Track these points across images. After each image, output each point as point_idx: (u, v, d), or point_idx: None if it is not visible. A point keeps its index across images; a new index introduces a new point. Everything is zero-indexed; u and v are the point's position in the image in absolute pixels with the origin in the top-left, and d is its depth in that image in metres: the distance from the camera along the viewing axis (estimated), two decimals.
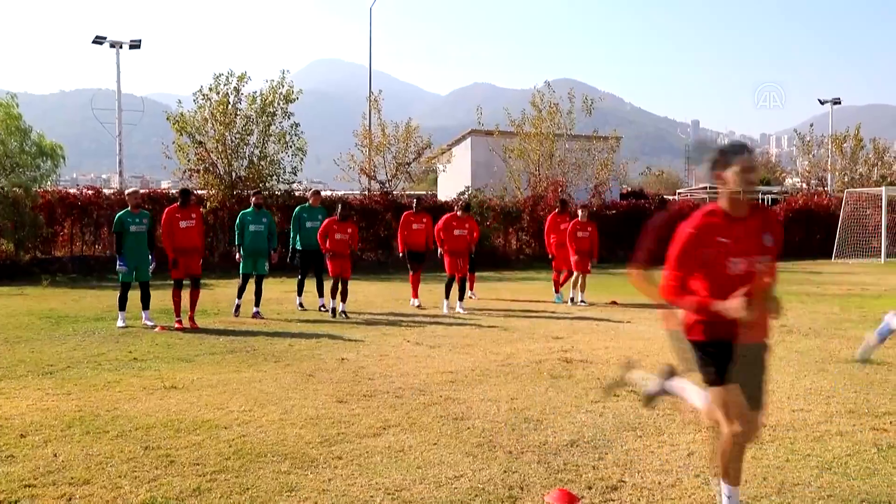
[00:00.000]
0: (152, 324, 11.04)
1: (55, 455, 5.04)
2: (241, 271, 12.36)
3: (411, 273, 14.04)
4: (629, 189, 50.08)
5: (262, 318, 11.90)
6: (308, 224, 13.01)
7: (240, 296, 12.37)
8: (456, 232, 13.14)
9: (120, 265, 11.08)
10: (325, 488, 4.47)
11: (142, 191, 11.75)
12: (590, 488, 4.48)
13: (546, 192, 26.85)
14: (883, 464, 4.90)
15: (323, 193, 32.98)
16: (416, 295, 13.83)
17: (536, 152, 27.84)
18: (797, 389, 7.00)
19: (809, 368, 7.97)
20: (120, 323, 11.02)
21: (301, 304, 13.21)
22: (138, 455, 5.04)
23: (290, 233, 13.35)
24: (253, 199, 12.79)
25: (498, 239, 26.18)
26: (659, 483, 4.56)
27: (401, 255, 14.34)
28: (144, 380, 7.40)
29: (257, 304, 12.21)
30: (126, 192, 12.05)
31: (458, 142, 37.13)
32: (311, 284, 13.20)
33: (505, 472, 4.75)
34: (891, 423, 5.85)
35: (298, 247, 13.13)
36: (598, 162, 28.58)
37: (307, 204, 13.58)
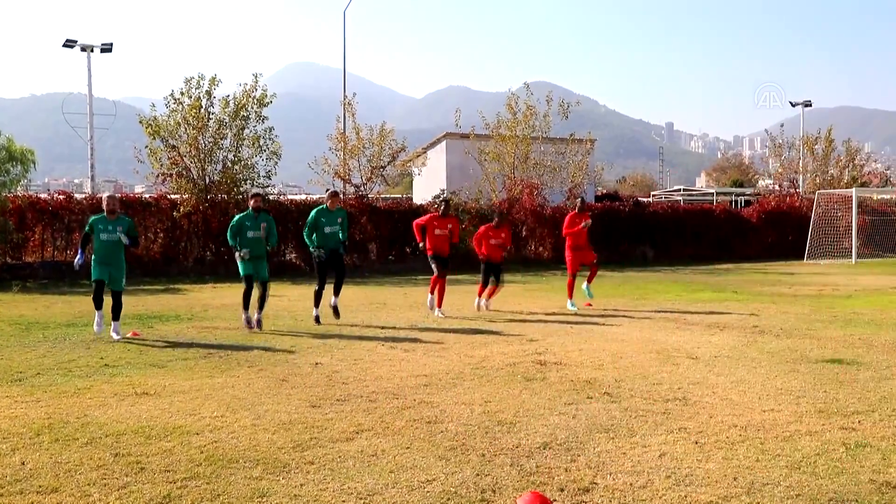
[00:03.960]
0: (118, 337, 10.23)
1: (23, 463, 4.97)
2: (241, 273, 11.20)
3: (435, 277, 13.00)
4: (604, 191, 50.45)
5: (261, 329, 10.96)
6: (327, 230, 11.72)
7: (246, 305, 11.18)
8: (493, 241, 13.35)
9: (78, 259, 10.53)
10: (296, 493, 4.45)
11: (118, 195, 10.71)
12: (562, 490, 4.50)
13: (521, 195, 26.95)
14: (851, 462, 4.95)
15: (298, 197, 32.85)
16: (440, 304, 12.95)
17: (511, 155, 27.93)
18: (768, 390, 7.07)
19: (780, 369, 8.05)
20: (96, 328, 10.37)
21: (318, 318, 11.80)
22: (108, 462, 4.98)
23: (305, 239, 12.08)
24: (251, 202, 11.50)
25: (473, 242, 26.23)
26: (630, 484, 4.59)
27: (430, 256, 13.08)
28: (115, 386, 7.32)
29: (260, 309, 11.18)
30: (103, 195, 10.86)
31: (433, 145, 37.17)
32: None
33: (477, 475, 4.76)
34: (859, 422, 5.92)
35: (316, 253, 11.86)
36: (573, 164, 28.73)
37: (324, 206, 11.94)
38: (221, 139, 23.25)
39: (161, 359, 8.84)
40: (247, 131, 23.58)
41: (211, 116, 23.01)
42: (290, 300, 15.33)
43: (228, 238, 11.39)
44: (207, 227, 22.96)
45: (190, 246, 23.34)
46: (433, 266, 13.10)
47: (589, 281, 14.19)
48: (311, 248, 11.96)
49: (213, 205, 22.95)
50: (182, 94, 22.75)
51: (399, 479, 4.68)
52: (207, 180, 23.04)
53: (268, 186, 24.39)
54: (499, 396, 6.86)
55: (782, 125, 37.58)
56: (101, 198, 23.34)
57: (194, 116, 22.65)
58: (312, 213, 11.91)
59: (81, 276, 20.44)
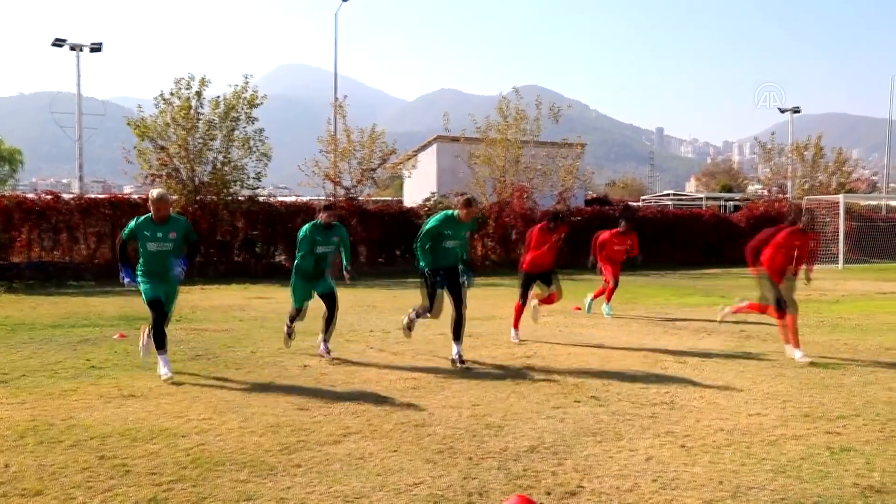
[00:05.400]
0: (167, 372, 7.76)
1: (7, 466, 4.94)
2: (294, 304, 9.10)
3: (520, 304, 10.64)
4: (594, 195, 50.57)
5: (331, 356, 8.95)
6: (449, 244, 8.62)
7: (292, 321, 9.21)
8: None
9: (127, 279, 8.08)
10: (283, 497, 4.44)
11: (158, 192, 8.12)
12: (549, 494, 4.50)
13: (511, 199, 26.97)
14: (835, 466, 4.98)
15: (288, 199, 32.72)
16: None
17: (502, 158, 27.95)
18: (754, 394, 7.10)
19: (766, 373, 8.08)
20: (164, 370, 7.75)
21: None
22: (93, 465, 4.96)
23: (417, 252, 8.75)
24: (324, 215, 8.83)
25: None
26: (617, 488, 4.60)
27: (524, 273, 10.74)
28: (102, 388, 7.28)
29: (327, 330, 9.08)
30: (151, 194, 8.12)
31: (423, 147, 37.17)
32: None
33: (465, 478, 4.76)
34: (844, 426, 5.95)
35: (428, 267, 8.62)
36: (563, 168, 28.77)
37: (454, 214, 8.64)
38: (211, 140, 23.20)
39: (148, 360, 8.78)
40: (237, 132, 23.53)
41: (200, 117, 22.96)
42: (279, 302, 15.27)
43: (298, 256, 8.96)
44: (197, 228, 22.83)
45: None
46: (521, 288, 10.70)
47: (596, 296, 14.06)
48: (421, 266, 8.73)
49: (202, 206, 22.88)
50: (172, 94, 22.70)
51: (386, 483, 4.68)
52: (197, 181, 22.98)
53: (257, 188, 24.37)
54: (487, 400, 6.86)
55: (773, 133, 37.74)
56: (90, 198, 23.27)
57: (184, 117, 22.60)
58: (436, 218, 8.76)
59: (68, 276, 20.40)
